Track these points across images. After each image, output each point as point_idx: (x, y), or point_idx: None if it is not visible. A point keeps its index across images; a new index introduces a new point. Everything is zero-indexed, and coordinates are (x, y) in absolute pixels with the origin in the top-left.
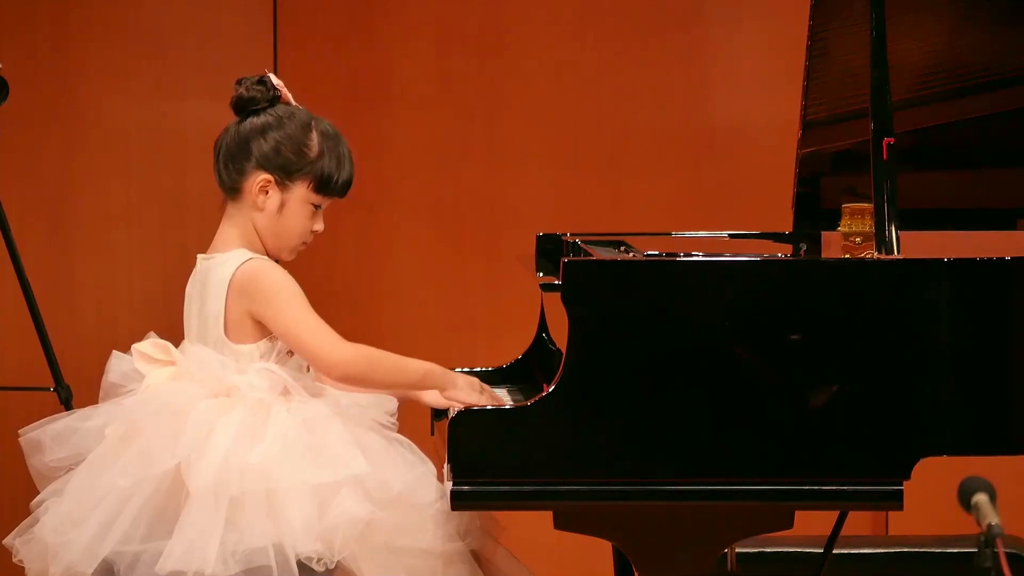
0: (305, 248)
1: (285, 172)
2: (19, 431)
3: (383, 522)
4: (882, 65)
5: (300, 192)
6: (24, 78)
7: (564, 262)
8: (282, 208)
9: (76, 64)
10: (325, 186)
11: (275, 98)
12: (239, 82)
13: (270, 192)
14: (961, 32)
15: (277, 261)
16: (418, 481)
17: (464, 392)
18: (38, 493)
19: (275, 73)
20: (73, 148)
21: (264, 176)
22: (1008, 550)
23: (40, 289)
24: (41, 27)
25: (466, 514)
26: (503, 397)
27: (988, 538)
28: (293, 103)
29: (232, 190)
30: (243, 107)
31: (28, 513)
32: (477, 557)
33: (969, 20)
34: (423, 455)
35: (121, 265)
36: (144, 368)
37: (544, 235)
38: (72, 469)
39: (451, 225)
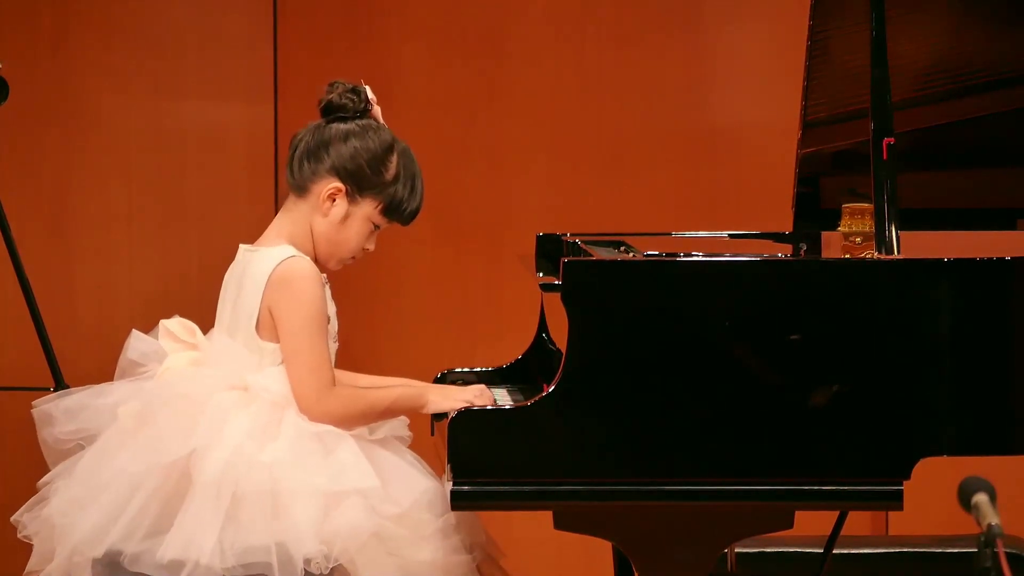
0: (353, 263)
1: (358, 186)
2: (32, 402)
3: (388, 534)
4: (882, 65)
5: (367, 209)
6: (24, 78)
7: (564, 262)
8: (345, 219)
9: (76, 64)
10: (393, 211)
11: (365, 110)
12: (332, 85)
13: (338, 201)
14: (961, 32)
15: (317, 265)
16: (426, 497)
17: (440, 404)
18: (39, 491)
19: (275, 73)
20: (73, 148)
21: (336, 184)
22: (1008, 550)
23: (40, 289)
24: (41, 27)
25: (471, 528)
26: (503, 397)
27: (988, 538)
28: (380, 119)
29: (300, 188)
30: (331, 111)
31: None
32: (479, 573)
33: (969, 20)
34: (431, 470)
35: (121, 265)
36: (168, 346)
37: (544, 235)
38: (81, 445)
39: (451, 225)
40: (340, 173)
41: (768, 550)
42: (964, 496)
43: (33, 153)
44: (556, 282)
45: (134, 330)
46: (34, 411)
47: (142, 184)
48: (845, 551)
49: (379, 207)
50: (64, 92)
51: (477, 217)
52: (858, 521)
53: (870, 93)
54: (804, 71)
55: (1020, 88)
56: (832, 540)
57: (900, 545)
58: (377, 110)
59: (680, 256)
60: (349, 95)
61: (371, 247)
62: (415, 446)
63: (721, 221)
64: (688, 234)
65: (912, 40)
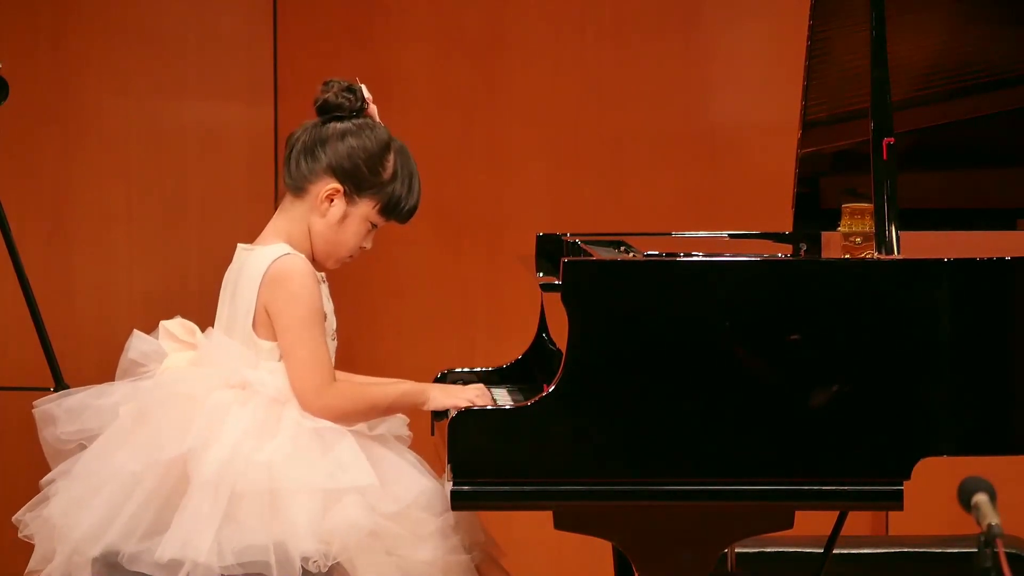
0: (351, 262)
1: (356, 186)
2: (34, 402)
3: (387, 532)
4: (882, 65)
5: (365, 209)
6: (24, 78)
7: (564, 262)
8: (343, 220)
9: (76, 64)
10: (391, 210)
11: (361, 109)
12: (327, 84)
13: (336, 201)
14: (961, 32)
15: (314, 265)
16: (424, 496)
17: (442, 401)
18: (40, 491)
19: (275, 73)
20: (73, 148)
21: (334, 185)
22: (1008, 550)
23: (40, 289)
24: (41, 27)
25: (471, 528)
26: (503, 397)
27: (988, 538)
28: (376, 118)
29: (297, 188)
30: (327, 110)
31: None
32: (479, 573)
33: (969, 20)
34: (431, 470)
35: (121, 265)
36: (168, 346)
37: (544, 235)
38: (82, 445)
39: (451, 225)
40: (337, 173)
41: (768, 550)
42: (964, 496)
43: (33, 153)
44: (556, 282)
45: (135, 330)
46: (35, 411)
47: (142, 184)
48: (845, 551)
49: (377, 207)
50: (64, 92)
51: (477, 217)
52: (858, 521)
53: (870, 93)
54: (804, 71)
55: (1020, 88)
56: (832, 540)
57: (900, 545)
58: (373, 108)
59: (680, 256)
60: (345, 94)
61: (368, 245)
62: (415, 446)
63: (721, 221)
64: (688, 234)
65: (912, 40)
